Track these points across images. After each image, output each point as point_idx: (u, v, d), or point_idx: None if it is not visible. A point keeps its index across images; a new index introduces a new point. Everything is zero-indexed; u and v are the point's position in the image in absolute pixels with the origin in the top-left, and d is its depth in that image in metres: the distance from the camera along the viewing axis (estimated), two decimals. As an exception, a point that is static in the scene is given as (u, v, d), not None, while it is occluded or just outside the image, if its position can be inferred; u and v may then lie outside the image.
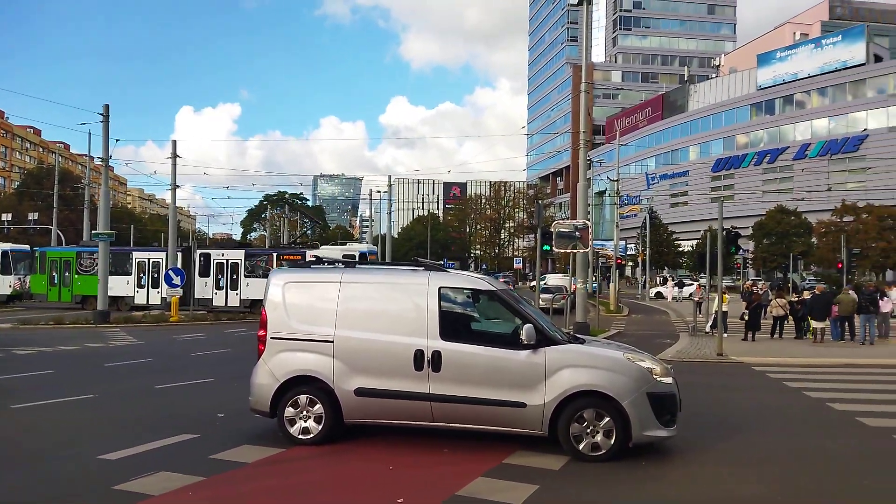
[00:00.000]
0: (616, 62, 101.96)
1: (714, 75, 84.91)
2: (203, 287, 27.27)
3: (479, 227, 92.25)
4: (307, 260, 20.98)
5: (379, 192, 66.20)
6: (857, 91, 59.34)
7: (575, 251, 16.70)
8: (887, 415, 8.55)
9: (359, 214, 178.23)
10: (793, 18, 78.64)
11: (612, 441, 6.23)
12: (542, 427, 6.37)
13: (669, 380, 6.58)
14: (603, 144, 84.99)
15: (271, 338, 6.96)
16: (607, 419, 6.24)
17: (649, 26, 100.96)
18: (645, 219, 51.76)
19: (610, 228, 64.60)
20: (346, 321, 6.80)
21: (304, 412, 6.78)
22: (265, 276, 29.75)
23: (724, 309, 17.85)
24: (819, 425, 8.19)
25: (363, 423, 6.87)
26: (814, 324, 19.16)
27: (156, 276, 28.20)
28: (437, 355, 6.52)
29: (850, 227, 43.65)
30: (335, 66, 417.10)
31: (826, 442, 7.32)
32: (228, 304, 27.29)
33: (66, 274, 29.85)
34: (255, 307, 25.23)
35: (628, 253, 62.71)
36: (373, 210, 66.12)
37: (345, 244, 43.93)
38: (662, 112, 79.85)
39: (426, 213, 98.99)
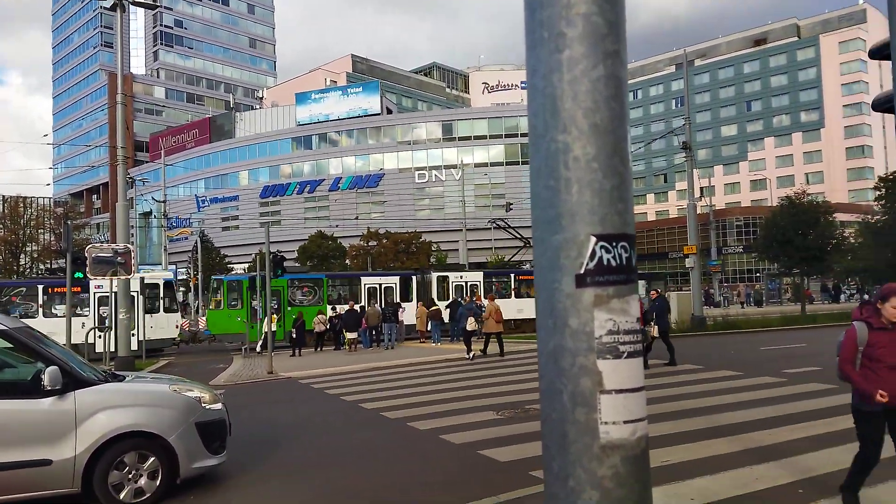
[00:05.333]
0: (159, 77, 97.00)
1: (258, 106, 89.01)
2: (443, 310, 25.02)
3: (-13, 250, 74.63)
4: None
5: None
6: (376, 135, 70.58)
7: (115, 277, 15.09)
8: (402, 407, 10.29)
9: None
10: (324, 65, 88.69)
11: (158, 482, 5.81)
12: (73, 483, 5.51)
13: (219, 405, 6.52)
14: (147, 162, 79.62)
15: None
16: (152, 459, 5.80)
17: (192, 47, 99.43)
18: (196, 242, 50.43)
19: (158, 252, 60.76)
20: None
21: None
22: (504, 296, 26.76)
23: (273, 329, 18.74)
24: (354, 424, 9.32)
25: None
26: (348, 335, 21.89)
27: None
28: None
29: (374, 250, 51.37)
30: None
31: (359, 437, 8.39)
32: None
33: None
34: None
35: (179, 278, 59.92)
36: None
37: None
38: (210, 135, 79.52)
39: None
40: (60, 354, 6.05)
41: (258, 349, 21.83)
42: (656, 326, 14.45)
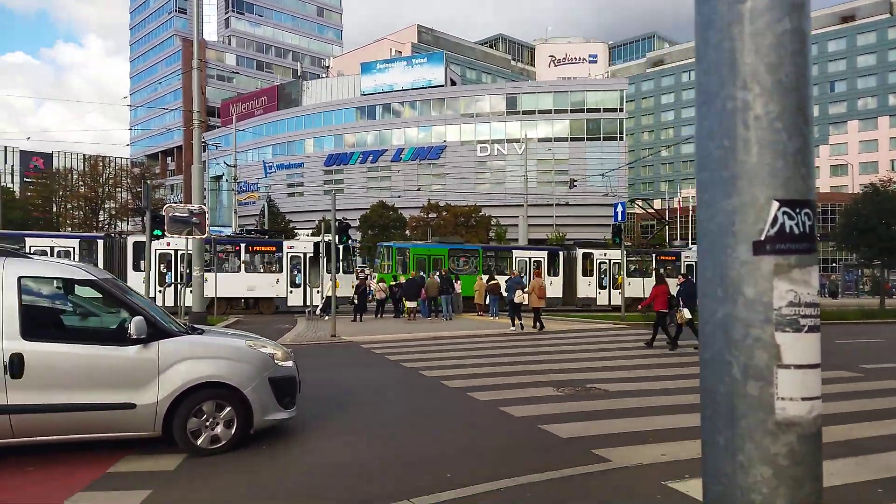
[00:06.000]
0: (230, 44, 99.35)
1: (324, 75, 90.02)
2: (586, 287, 28.25)
3: (70, 206, 79.12)
4: None
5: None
6: (440, 107, 70.36)
7: (191, 237, 15.73)
8: (462, 377, 10.40)
9: None
10: (389, 35, 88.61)
11: (233, 431, 6.10)
12: (154, 427, 5.85)
13: (290, 363, 6.76)
14: (219, 127, 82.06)
15: None
16: (228, 409, 6.09)
17: (262, 15, 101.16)
18: (263, 206, 51.91)
19: (228, 215, 62.90)
20: None
21: None
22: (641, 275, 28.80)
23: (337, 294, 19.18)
24: (415, 391, 9.49)
25: None
26: (407, 304, 22.19)
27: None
28: (17, 359, 5.40)
29: (434, 222, 51.64)
30: None
31: (420, 403, 8.54)
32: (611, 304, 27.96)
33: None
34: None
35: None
36: None
37: None
38: (278, 103, 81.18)
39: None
40: (145, 305, 6.37)
41: (319, 313, 22.43)
42: (685, 310, 13.85)
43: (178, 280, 20.66)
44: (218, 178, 69.61)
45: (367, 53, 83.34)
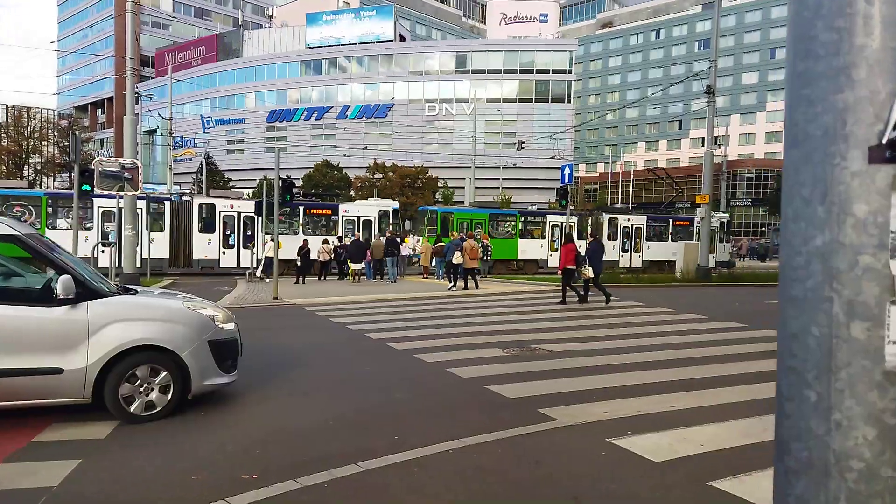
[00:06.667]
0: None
1: (267, 25, 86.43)
2: (610, 250, 27.58)
3: (-10, 160, 74.19)
4: None
5: None
6: (388, 64, 68.76)
7: (122, 193, 14.93)
8: (408, 339, 10.35)
9: None
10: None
11: (169, 396, 5.85)
12: (84, 393, 5.54)
13: (232, 325, 6.51)
14: (153, 78, 78.09)
15: None
16: (164, 374, 5.82)
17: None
18: (201, 164, 50.00)
19: (162, 171, 60.46)
20: None
21: None
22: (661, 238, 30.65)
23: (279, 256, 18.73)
24: (360, 353, 9.38)
25: None
26: (353, 266, 21.95)
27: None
28: (-72, 322, 4.99)
29: (379, 183, 50.98)
30: None
31: (365, 365, 8.44)
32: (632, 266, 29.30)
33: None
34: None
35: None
36: None
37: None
38: (217, 54, 77.61)
39: None
40: (73, 263, 5.98)
41: (259, 274, 21.93)
42: (590, 269, 15.22)
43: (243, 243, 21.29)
44: (152, 132, 66.48)
45: (313, 3, 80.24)
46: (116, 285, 6.84)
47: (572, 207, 25.25)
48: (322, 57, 70.06)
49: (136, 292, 6.53)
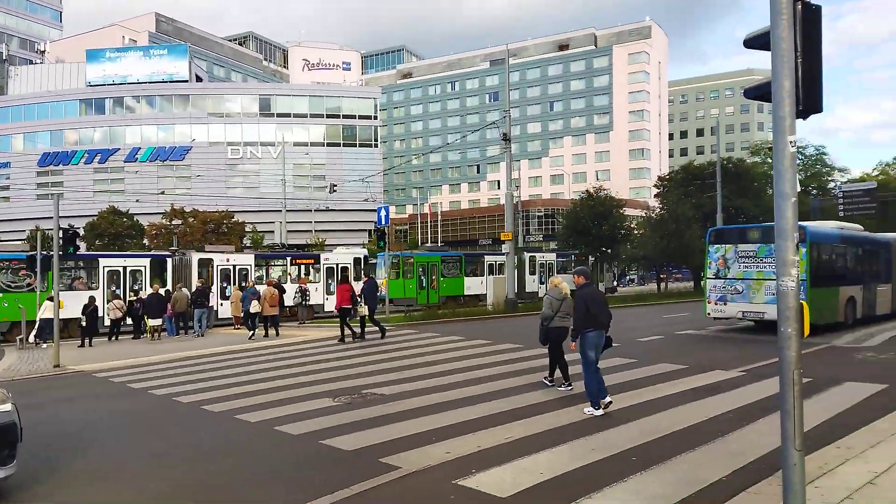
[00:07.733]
0: None
1: (39, 60, 77.20)
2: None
3: None
4: None
5: None
6: (183, 105, 64.74)
7: None
8: (225, 398, 9.46)
9: None
10: (122, 22, 79.27)
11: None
12: None
13: (8, 406, 5.39)
14: None
15: None
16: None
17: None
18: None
19: None
20: None
21: None
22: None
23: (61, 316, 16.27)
24: (169, 421, 8.35)
25: None
26: (150, 322, 19.71)
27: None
28: None
29: (179, 229, 47.16)
30: None
31: (177, 435, 7.51)
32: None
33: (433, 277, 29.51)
34: None
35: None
36: None
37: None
38: (-28, 89, 67.17)
39: None
40: None
41: (33, 339, 18.84)
42: (366, 307, 16.61)
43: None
44: None
45: (94, 39, 73.31)
46: None
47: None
48: (106, 96, 63.96)
49: None
